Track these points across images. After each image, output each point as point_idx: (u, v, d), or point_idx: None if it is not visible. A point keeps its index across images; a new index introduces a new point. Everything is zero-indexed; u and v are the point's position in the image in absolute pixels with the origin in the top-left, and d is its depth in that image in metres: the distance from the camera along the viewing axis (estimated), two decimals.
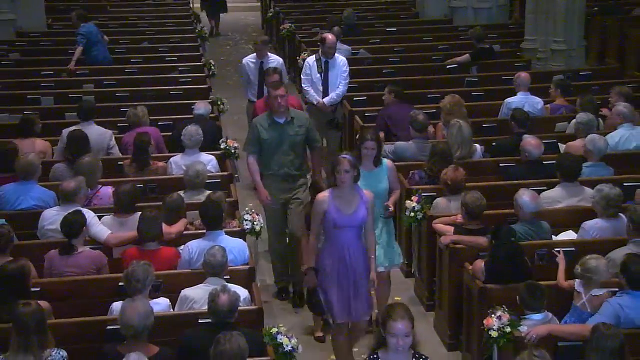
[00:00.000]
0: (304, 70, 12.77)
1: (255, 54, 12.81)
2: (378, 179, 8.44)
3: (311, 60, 12.64)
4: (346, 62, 12.64)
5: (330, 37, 12.64)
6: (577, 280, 7.27)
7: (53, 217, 8.45)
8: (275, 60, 12.67)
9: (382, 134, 11.56)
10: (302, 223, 8.93)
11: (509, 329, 6.89)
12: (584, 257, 7.26)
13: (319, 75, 12.34)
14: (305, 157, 9.63)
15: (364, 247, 7.72)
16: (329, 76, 12.33)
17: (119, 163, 10.23)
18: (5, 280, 7.00)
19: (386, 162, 8.63)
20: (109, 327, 6.90)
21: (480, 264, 7.79)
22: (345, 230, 7.57)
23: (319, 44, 12.97)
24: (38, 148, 10.48)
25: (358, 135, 8.98)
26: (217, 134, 11.22)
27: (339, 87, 12.31)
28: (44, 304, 6.80)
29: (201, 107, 11.26)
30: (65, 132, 10.44)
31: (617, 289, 7.16)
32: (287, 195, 9.40)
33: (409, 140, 10.56)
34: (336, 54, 12.54)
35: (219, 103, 12.76)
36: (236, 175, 11.07)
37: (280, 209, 9.46)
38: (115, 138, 10.90)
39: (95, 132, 10.59)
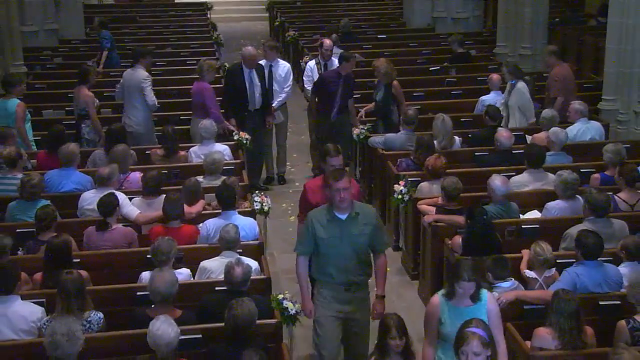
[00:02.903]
0: (305, 72, 12.72)
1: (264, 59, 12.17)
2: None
3: (312, 63, 12.62)
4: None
5: (327, 41, 12.62)
6: (527, 271, 7.25)
7: (90, 199, 8.47)
8: (284, 64, 12.18)
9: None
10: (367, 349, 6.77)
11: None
12: (532, 247, 7.26)
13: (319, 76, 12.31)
14: (370, 260, 6.83)
15: None
16: None
17: (146, 152, 10.27)
18: (51, 252, 7.04)
19: (487, 297, 5.97)
20: (138, 293, 6.94)
21: (457, 239, 7.81)
22: None
23: (318, 48, 12.92)
24: (81, 97, 10.97)
25: (452, 269, 6.20)
26: None
27: None
28: (83, 272, 6.83)
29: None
30: (126, 74, 11.37)
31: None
32: (347, 308, 6.66)
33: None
34: (332, 57, 12.51)
35: None
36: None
37: (337, 324, 6.71)
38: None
39: (137, 74, 11.17)
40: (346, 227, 6.56)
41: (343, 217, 6.56)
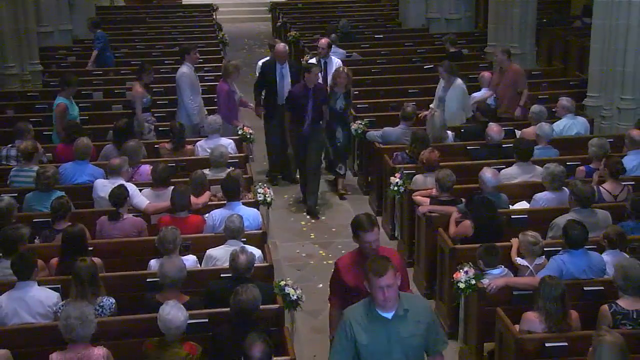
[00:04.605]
0: None
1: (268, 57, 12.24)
2: None
3: (313, 61, 12.58)
4: (340, 62, 12.58)
5: (321, 40, 12.57)
6: (519, 259, 7.26)
7: (103, 187, 8.50)
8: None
9: None
10: None
11: (473, 281, 6.91)
12: (522, 236, 7.27)
13: (319, 74, 12.26)
14: None
15: None
16: (327, 73, 12.28)
17: (155, 146, 10.27)
18: (68, 240, 7.05)
19: None
20: (148, 280, 6.94)
21: (467, 222, 7.73)
22: None
23: (318, 47, 12.89)
24: (133, 92, 11.20)
25: None
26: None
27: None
28: (96, 260, 6.85)
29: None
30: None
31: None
32: None
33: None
34: (332, 56, 12.48)
35: None
36: (251, 156, 11.06)
37: None
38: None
39: (178, 71, 11.41)
40: (394, 329, 4.95)
41: (389, 315, 4.95)
